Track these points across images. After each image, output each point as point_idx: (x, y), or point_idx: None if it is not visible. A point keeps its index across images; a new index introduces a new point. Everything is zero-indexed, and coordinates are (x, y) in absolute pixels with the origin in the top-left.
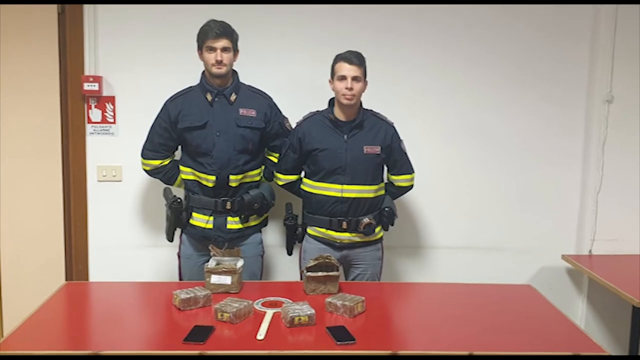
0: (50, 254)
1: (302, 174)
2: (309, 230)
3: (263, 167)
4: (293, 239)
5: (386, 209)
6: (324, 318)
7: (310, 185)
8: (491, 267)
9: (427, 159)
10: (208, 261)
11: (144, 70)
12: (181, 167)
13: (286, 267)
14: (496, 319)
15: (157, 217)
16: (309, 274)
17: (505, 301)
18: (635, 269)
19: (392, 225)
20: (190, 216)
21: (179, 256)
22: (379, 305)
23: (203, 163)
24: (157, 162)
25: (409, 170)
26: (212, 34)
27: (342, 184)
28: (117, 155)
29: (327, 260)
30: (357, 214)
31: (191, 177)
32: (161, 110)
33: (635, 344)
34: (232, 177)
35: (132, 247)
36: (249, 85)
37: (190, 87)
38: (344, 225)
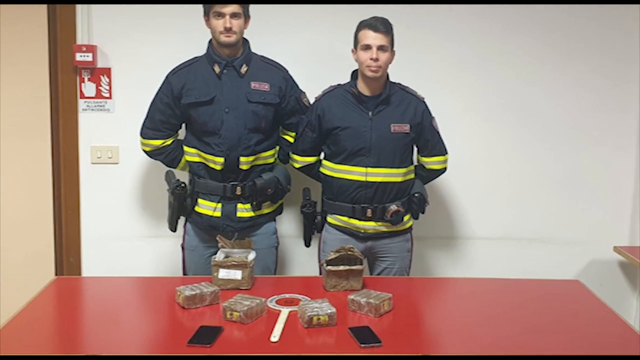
0: (38, 245)
1: (322, 155)
2: (329, 218)
3: (277, 147)
4: (311, 228)
5: (416, 194)
6: (346, 317)
7: (330, 168)
8: (534, 261)
9: (461, 139)
10: (216, 253)
11: (144, 38)
12: (185, 148)
13: (303, 261)
14: (539, 318)
15: (159, 204)
16: (329, 268)
17: (550, 298)
18: None
19: (423, 213)
20: (195, 203)
21: (182, 248)
22: (408, 303)
23: (210, 143)
24: (158, 142)
25: (442, 151)
26: None
27: (366, 166)
28: (113, 134)
29: (349, 252)
30: (384, 200)
31: (197, 159)
32: (163, 83)
33: None
34: (242, 159)
35: (130, 238)
36: (262, 56)
37: (196, 57)
38: (369, 213)
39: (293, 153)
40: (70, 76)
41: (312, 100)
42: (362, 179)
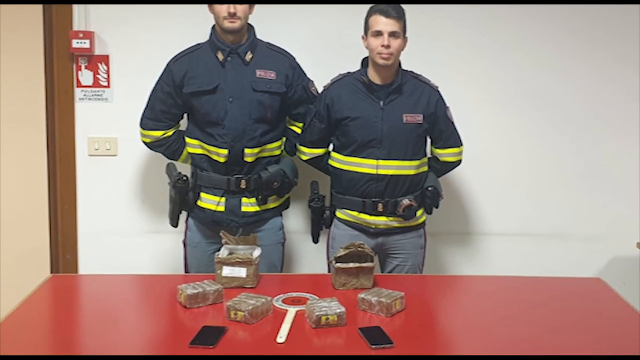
0: (32, 241)
1: (330, 147)
2: (338, 213)
3: (284, 139)
4: (319, 223)
5: (429, 188)
6: (356, 317)
7: (339, 161)
8: (553, 258)
9: (477, 130)
10: (219, 250)
11: (144, 24)
12: (187, 139)
13: (311, 257)
14: (559, 318)
15: (159, 198)
16: (338, 265)
17: (570, 297)
18: None
19: (437, 207)
20: (197, 197)
21: (184, 244)
22: (421, 302)
23: (213, 134)
24: (159, 134)
25: (457, 142)
26: None
27: (377, 158)
28: (112, 125)
29: (359, 249)
30: (395, 194)
31: (199, 151)
32: (163, 71)
33: None
34: (247, 150)
35: (129, 234)
36: (268, 43)
37: (198, 44)
38: (380, 207)
39: (300, 144)
40: (67, 64)
41: (320, 89)
42: (373, 171)
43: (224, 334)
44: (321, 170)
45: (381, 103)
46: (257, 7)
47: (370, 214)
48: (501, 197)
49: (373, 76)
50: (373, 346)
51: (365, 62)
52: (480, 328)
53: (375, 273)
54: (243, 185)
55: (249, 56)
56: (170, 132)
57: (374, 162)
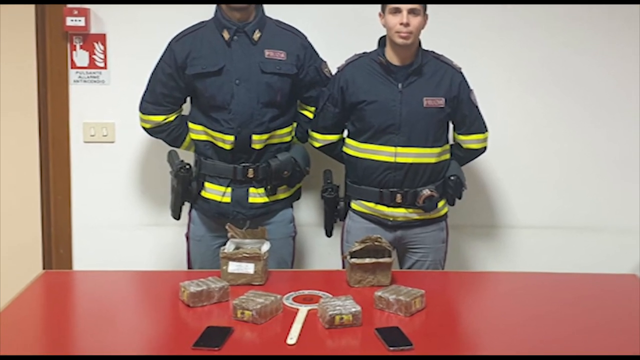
0: (23, 235)
1: (345, 133)
2: (354, 205)
3: (295, 124)
4: (333, 216)
5: (452, 177)
6: (373, 317)
7: (355, 148)
8: (586, 252)
9: (503, 115)
10: (225, 244)
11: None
12: (190, 125)
13: (324, 252)
14: (592, 318)
15: (160, 188)
16: (353, 260)
17: (604, 295)
18: None
19: (460, 198)
20: (202, 187)
21: (187, 238)
22: (443, 301)
23: (218, 119)
24: (160, 118)
25: (481, 128)
26: None
27: (395, 145)
28: (109, 109)
29: (376, 243)
30: (415, 184)
31: (203, 138)
32: (165, 51)
33: None
34: (255, 137)
35: (127, 227)
36: (277, 20)
37: (202, 22)
38: (398, 198)
39: (312, 130)
40: (60, 43)
41: (334, 71)
42: (391, 159)
43: (230, 335)
44: (335, 158)
45: (400, 86)
46: None
47: (388, 206)
48: (529, 187)
49: (391, 57)
50: (391, 348)
51: (382, 41)
52: (506, 329)
53: (394, 269)
54: (251, 174)
55: (257, 35)
56: (172, 117)
57: (392, 149)
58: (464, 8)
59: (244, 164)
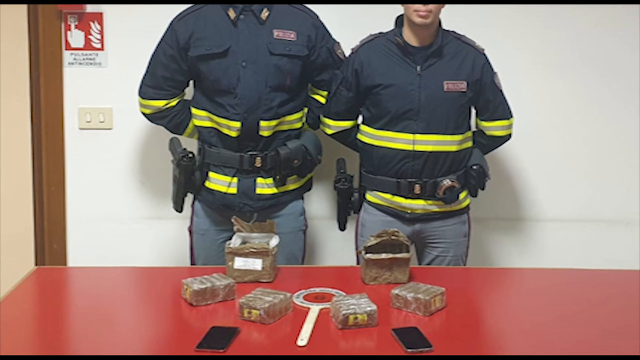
0: (15, 229)
1: (360, 119)
2: (369, 196)
3: (306, 109)
4: (347, 208)
5: (474, 167)
6: (390, 316)
7: (370, 135)
8: (617, 247)
9: (529, 100)
10: (230, 239)
11: None
12: (194, 111)
13: (337, 247)
14: (623, 317)
15: (161, 178)
16: (368, 256)
17: (636, 293)
18: None
19: (483, 189)
20: (206, 177)
21: (190, 232)
22: (464, 299)
23: (224, 104)
24: (161, 104)
25: (506, 114)
26: None
27: (414, 132)
28: (106, 93)
29: (393, 237)
30: (435, 173)
31: (207, 124)
32: (166, 32)
33: None
34: (263, 123)
35: (126, 220)
36: None
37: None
38: (417, 189)
39: (325, 116)
40: (54, 23)
41: (347, 53)
42: (409, 147)
43: (235, 335)
44: (349, 146)
45: (418, 68)
46: None
47: (406, 197)
48: (557, 177)
49: (409, 37)
50: (409, 349)
51: (400, 20)
52: (532, 329)
53: (412, 265)
54: (258, 163)
55: (265, 14)
56: (173, 102)
57: (410, 136)
58: None
59: (251, 153)
